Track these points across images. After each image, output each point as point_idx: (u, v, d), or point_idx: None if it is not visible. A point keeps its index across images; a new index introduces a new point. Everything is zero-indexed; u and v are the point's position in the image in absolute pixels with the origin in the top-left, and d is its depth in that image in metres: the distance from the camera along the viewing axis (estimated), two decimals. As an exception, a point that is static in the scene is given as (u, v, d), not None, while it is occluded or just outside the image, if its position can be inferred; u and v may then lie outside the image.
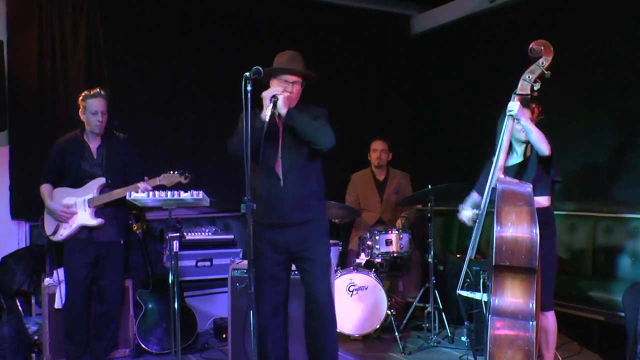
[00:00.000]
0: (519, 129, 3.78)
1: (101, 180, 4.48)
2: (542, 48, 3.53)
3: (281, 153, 3.66)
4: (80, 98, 4.50)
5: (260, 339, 3.54)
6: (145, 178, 4.39)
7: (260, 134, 3.47)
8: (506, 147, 3.64)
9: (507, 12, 6.33)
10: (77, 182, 4.50)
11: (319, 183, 3.84)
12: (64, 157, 4.52)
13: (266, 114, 3.44)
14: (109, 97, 4.55)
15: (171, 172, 4.41)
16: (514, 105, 3.56)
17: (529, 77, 3.55)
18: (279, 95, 3.51)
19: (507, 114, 3.59)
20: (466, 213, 4.06)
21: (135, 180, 4.40)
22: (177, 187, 4.31)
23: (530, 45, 3.55)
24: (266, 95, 3.53)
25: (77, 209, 4.46)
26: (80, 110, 4.50)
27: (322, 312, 3.80)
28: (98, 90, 4.52)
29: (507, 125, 3.60)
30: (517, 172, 3.82)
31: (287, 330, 3.96)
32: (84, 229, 4.47)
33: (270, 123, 3.48)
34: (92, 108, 4.43)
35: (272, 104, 3.48)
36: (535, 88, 3.55)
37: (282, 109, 3.53)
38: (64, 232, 4.47)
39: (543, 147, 3.63)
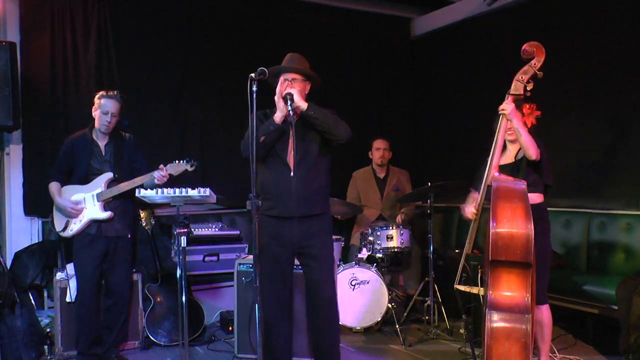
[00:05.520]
0: (509, 131, 3.85)
1: (109, 175, 4.51)
2: (534, 49, 3.57)
3: (293, 146, 3.69)
4: (97, 96, 4.54)
5: (265, 331, 3.60)
6: (161, 166, 4.36)
7: (275, 135, 3.64)
8: (500, 146, 3.70)
9: (505, 15, 6.39)
10: (86, 179, 4.54)
11: (327, 179, 3.89)
12: (73, 155, 4.56)
13: (290, 110, 3.53)
14: (123, 101, 4.58)
15: (177, 161, 4.38)
16: (507, 106, 3.62)
17: (522, 77, 3.59)
18: (292, 91, 3.59)
19: (500, 113, 3.64)
20: (469, 210, 4.14)
21: (144, 173, 4.43)
22: (185, 176, 4.33)
23: (523, 47, 3.59)
24: (277, 98, 3.64)
25: (85, 204, 4.49)
26: (94, 107, 4.54)
27: (326, 308, 3.87)
28: (115, 92, 4.58)
29: (501, 125, 3.66)
30: (510, 171, 3.87)
31: (291, 322, 4.01)
32: (93, 223, 4.49)
33: (288, 120, 3.59)
34: (105, 108, 4.48)
35: (289, 102, 3.55)
36: (528, 88, 3.59)
37: (301, 103, 3.61)
38: (74, 227, 4.49)
39: (531, 151, 3.69)
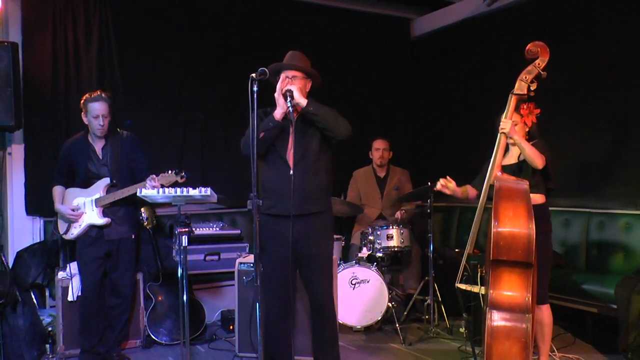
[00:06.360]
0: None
1: (106, 181, 4.50)
2: (539, 49, 3.58)
3: (293, 143, 3.71)
4: (82, 101, 4.45)
5: (266, 330, 3.61)
6: (153, 176, 4.31)
7: (274, 132, 3.64)
8: (503, 146, 3.69)
9: (505, 15, 6.41)
10: (85, 182, 4.53)
11: (328, 178, 3.89)
12: (71, 159, 4.54)
13: (290, 107, 3.55)
14: (110, 99, 4.50)
15: (168, 171, 4.34)
16: (506, 124, 3.63)
17: (525, 77, 3.59)
18: (292, 88, 3.61)
19: (500, 131, 3.65)
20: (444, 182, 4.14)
21: (145, 175, 4.39)
22: (175, 185, 4.35)
23: (527, 47, 3.60)
24: (278, 95, 3.65)
25: (85, 209, 4.49)
26: (82, 112, 4.47)
27: (323, 308, 3.88)
28: (99, 93, 4.47)
29: (500, 142, 3.67)
30: (513, 172, 3.88)
31: (292, 321, 4.02)
32: (92, 227, 4.50)
33: (288, 117, 3.61)
34: (94, 112, 4.39)
35: (289, 98, 3.57)
36: (532, 88, 3.60)
37: (301, 99, 3.61)
38: (75, 231, 4.51)
39: (537, 162, 3.70)
